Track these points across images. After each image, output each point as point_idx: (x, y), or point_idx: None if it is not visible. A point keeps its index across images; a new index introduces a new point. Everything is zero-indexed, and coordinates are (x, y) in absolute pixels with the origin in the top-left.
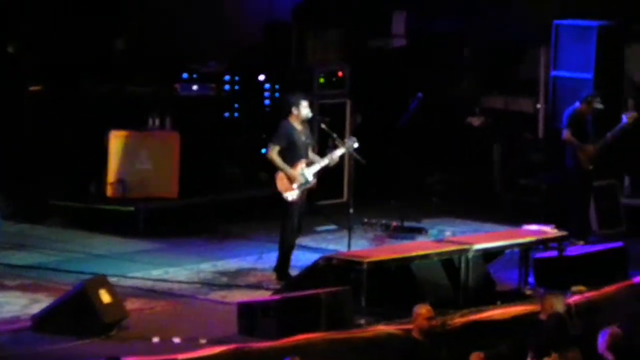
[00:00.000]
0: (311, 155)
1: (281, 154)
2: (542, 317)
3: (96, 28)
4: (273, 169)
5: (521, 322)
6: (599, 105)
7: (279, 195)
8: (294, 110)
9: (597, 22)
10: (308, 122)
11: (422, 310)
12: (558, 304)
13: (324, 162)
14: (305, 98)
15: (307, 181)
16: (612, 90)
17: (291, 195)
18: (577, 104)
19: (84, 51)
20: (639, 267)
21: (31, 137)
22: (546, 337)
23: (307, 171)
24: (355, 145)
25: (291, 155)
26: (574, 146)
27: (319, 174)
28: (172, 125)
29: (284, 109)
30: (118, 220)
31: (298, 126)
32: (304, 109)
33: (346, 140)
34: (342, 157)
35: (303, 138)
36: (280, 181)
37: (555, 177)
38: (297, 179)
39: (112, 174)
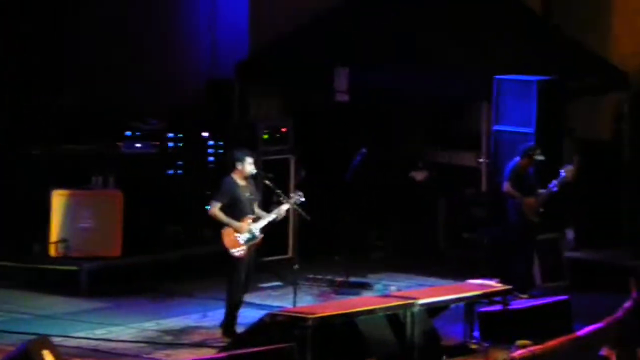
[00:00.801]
0: (257, 210)
1: (226, 210)
2: None
3: (38, 87)
4: (218, 225)
5: None
6: (540, 157)
7: (225, 252)
8: (238, 166)
9: (537, 77)
10: (252, 178)
11: None
12: (502, 357)
13: (271, 217)
14: (249, 154)
15: (254, 236)
16: (552, 144)
17: (238, 251)
18: (518, 157)
19: (25, 111)
20: (583, 320)
21: None
22: None
23: (254, 226)
24: (302, 199)
25: (236, 211)
26: (515, 199)
27: (265, 230)
28: (115, 183)
29: (228, 165)
30: (61, 279)
31: (241, 182)
32: (248, 166)
33: (292, 195)
34: (287, 212)
35: (247, 194)
36: (227, 237)
37: (498, 231)
38: (244, 231)
39: (55, 233)
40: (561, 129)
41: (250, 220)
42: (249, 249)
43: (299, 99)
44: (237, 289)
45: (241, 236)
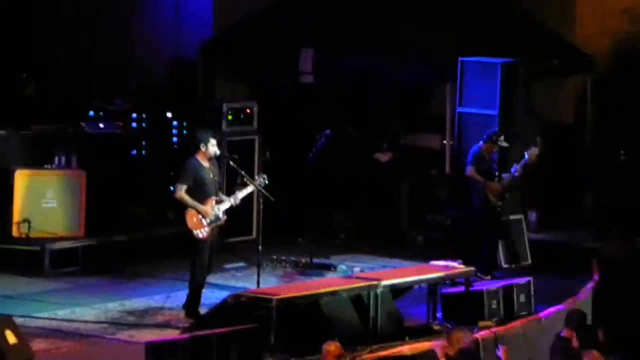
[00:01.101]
0: (220, 193)
1: (190, 192)
2: (450, 352)
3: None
4: (181, 207)
5: (430, 358)
6: (504, 144)
7: (188, 233)
8: (202, 148)
9: (501, 60)
10: (216, 160)
11: (331, 347)
12: (465, 338)
13: (233, 199)
14: (214, 136)
15: (217, 218)
16: (516, 126)
17: (201, 232)
18: (481, 142)
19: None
20: (545, 301)
21: None
22: None
23: (218, 208)
24: (265, 182)
25: (200, 192)
26: (478, 183)
27: (228, 211)
28: (78, 163)
29: (191, 147)
30: (24, 260)
31: (205, 163)
32: (212, 147)
33: (256, 177)
34: (251, 193)
35: (211, 175)
36: (190, 219)
37: (461, 213)
38: (208, 214)
39: (17, 213)
40: (525, 111)
41: (213, 202)
42: (212, 230)
43: (264, 80)
44: (201, 271)
45: (205, 218)
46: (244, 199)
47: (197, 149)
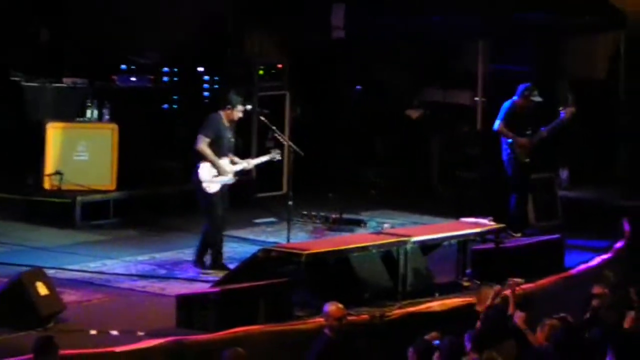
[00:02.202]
0: (232, 155)
1: (208, 146)
2: (478, 308)
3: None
4: (195, 159)
5: (459, 314)
6: (537, 99)
7: (198, 185)
8: (228, 108)
9: (536, 16)
10: (247, 115)
11: (332, 308)
12: (494, 295)
13: (247, 163)
14: (243, 103)
15: (229, 177)
16: (549, 83)
17: (211, 187)
18: (515, 97)
19: (21, 43)
20: (576, 259)
21: None
22: (485, 329)
23: (230, 168)
24: (278, 157)
25: (216, 149)
26: (508, 138)
27: (243, 172)
28: (110, 116)
29: (220, 102)
30: (55, 212)
31: (226, 122)
32: (237, 112)
33: (271, 150)
34: (282, 148)
35: (229, 135)
36: (203, 171)
37: (492, 169)
38: (223, 171)
39: (49, 166)
40: (558, 68)
41: (227, 161)
42: (221, 187)
43: (295, 35)
44: (217, 225)
45: (219, 175)
46: (258, 166)
47: (224, 106)
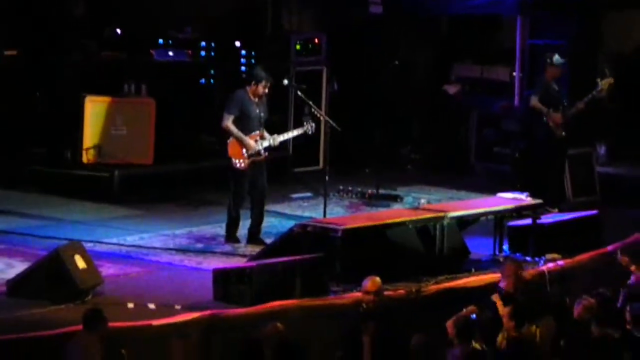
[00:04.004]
0: (264, 130)
1: (234, 122)
2: (502, 284)
3: None
4: (226, 136)
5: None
6: (559, 61)
7: (228, 162)
8: (253, 84)
9: None
10: (284, 90)
11: (370, 283)
12: (516, 271)
13: (273, 139)
14: (268, 79)
15: (258, 152)
16: (587, 58)
17: (239, 162)
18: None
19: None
20: (613, 235)
21: (5, 101)
22: (523, 305)
23: (260, 143)
24: (312, 131)
25: (243, 124)
26: (542, 113)
27: (270, 149)
28: (147, 91)
29: (247, 77)
30: (93, 186)
31: (253, 97)
32: (261, 88)
33: (305, 123)
34: (318, 123)
35: (257, 110)
36: (232, 148)
37: (529, 145)
38: (250, 147)
39: (87, 140)
40: (596, 43)
41: (257, 138)
42: (251, 162)
43: (333, 10)
44: (238, 201)
45: (246, 150)
46: (283, 142)
47: (249, 81)
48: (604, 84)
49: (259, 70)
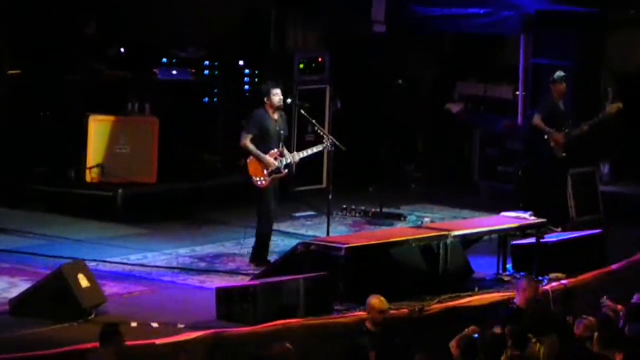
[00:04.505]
0: (283, 147)
1: (253, 141)
2: (517, 301)
3: (75, 13)
4: (246, 155)
5: (499, 309)
6: (560, 74)
7: (249, 181)
8: (266, 99)
9: (579, 10)
10: (287, 109)
11: (374, 301)
12: (534, 288)
13: (292, 157)
14: (276, 86)
15: (278, 170)
16: (592, 77)
17: (260, 180)
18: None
19: (61, 36)
20: (617, 254)
21: (9, 121)
22: (527, 323)
23: (280, 160)
24: (333, 147)
25: (263, 142)
26: (543, 133)
27: (289, 166)
28: (151, 110)
29: (259, 97)
30: (97, 205)
31: (273, 115)
32: (275, 97)
33: (324, 140)
34: (322, 141)
35: (277, 128)
36: (252, 166)
37: (533, 164)
38: (270, 165)
39: (90, 159)
40: (600, 63)
41: (276, 154)
42: (272, 180)
43: (336, 29)
44: (266, 219)
45: (266, 168)
46: (303, 159)
47: (263, 100)
48: (612, 107)
49: (264, 85)
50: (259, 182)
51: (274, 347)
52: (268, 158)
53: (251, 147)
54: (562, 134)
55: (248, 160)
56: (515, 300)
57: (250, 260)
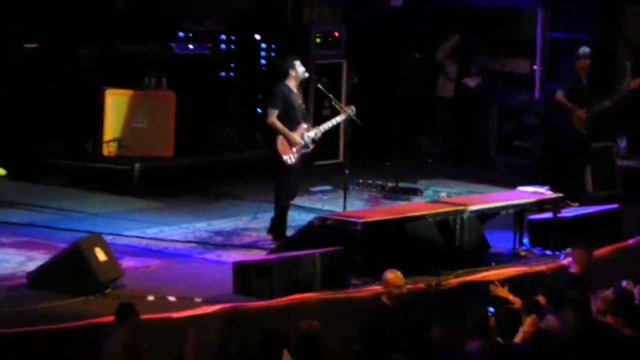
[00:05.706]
0: (307, 120)
1: (279, 117)
2: (574, 270)
3: None
4: (269, 130)
5: (515, 283)
6: (585, 51)
7: (277, 158)
8: (291, 72)
9: None
10: (305, 83)
11: (391, 276)
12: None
13: (317, 131)
14: (298, 58)
15: (306, 146)
16: (609, 51)
17: (290, 158)
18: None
19: (79, 10)
20: (634, 229)
21: (27, 95)
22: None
23: (307, 136)
24: (354, 113)
25: (289, 118)
26: (566, 108)
27: (315, 139)
28: (168, 84)
29: (279, 73)
30: (113, 178)
31: (295, 89)
32: (300, 68)
33: (345, 108)
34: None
35: (299, 101)
36: (281, 144)
37: (550, 139)
38: (298, 142)
39: (107, 133)
40: (618, 36)
41: (303, 129)
42: (300, 157)
43: (353, 3)
44: (287, 195)
45: (295, 146)
46: (327, 131)
47: (287, 74)
48: (634, 82)
49: (286, 59)
50: (289, 161)
51: (302, 325)
52: (295, 136)
53: (278, 124)
54: (583, 110)
55: (277, 138)
56: (571, 270)
57: (269, 231)
